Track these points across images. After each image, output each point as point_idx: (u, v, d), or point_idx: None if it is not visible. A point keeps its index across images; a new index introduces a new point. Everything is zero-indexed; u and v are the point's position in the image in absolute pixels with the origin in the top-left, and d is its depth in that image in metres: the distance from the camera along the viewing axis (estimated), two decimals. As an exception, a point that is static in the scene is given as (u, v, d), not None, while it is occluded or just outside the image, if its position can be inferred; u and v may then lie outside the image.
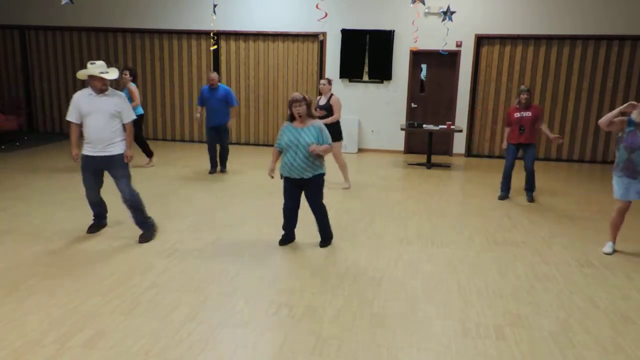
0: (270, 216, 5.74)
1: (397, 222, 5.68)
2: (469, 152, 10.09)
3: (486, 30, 9.50)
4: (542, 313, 3.64)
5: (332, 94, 6.89)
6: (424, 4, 8.09)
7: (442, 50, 9.36)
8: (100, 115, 4.59)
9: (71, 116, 4.70)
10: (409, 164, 9.06)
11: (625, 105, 4.60)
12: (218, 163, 7.95)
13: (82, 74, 4.59)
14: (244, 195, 6.62)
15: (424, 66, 10.01)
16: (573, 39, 9.35)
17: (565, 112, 9.67)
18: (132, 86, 7.64)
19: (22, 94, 11.26)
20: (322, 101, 6.90)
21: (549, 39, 9.40)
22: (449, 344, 3.20)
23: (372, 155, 9.90)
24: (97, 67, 4.50)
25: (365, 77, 9.97)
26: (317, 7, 8.34)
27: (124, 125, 4.78)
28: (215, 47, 10.19)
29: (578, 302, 3.84)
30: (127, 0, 10.45)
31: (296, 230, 5.00)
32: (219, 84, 7.66)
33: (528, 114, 6.50)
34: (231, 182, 7.38)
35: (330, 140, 4.62)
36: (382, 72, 9.84)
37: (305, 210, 5.14)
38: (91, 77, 4.53)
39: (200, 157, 9.09)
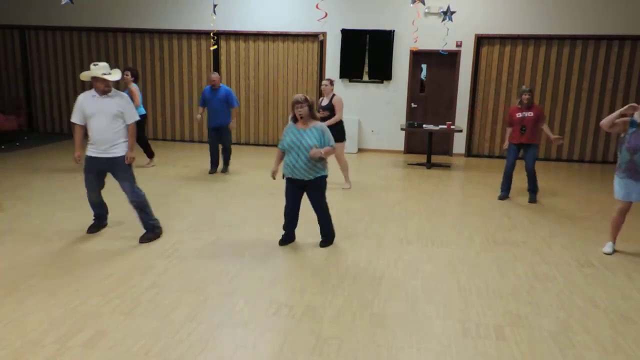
0: (270, 216, 5.74)
1: (397, 222, 5.68)
2: (469, 152, 10.09)
3: (486, 30, 9.51)
4: (542, 313, 3.64)
5: (334, 94, 6.89)
6: (424, 4, 8.09)
7: (442, 50, 9.36)
8: (103, 117, 4.60)
9: (75, 118, 4.73)
10: (409, 164, 9.06)
11: (625, 107, 4.59)
12: (220, 163, 7.96)
13: (85, 76, 4.60)
14: (244, 195, 6.63)
15: (424, 66, 10.01)
16: (573, 39, 9.36)
17: (565, 112, 9.67)
18: (133, 87, 7.64)
19: (22, 94, 11.27)
20: (324, 102, 6.90)
21: (549, 39, 9.40)
22: (449, 344, 3.20)
23: (372, 155, 9.90)
24: (99, 69, 4.51)
25: (365, 77, 9.98)
26: (317, 7, 8.34)
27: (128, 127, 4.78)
28: (215, 47, 10.19)
29: (578, 302, 3.84)
30: (127, 0, 10.45)
31: (297, 230, 5.00)
32: (221, 84, 7.66)
33: (530, 114, 6.49)
34: (231, 182, 7.38)
35: (332, 142, 4.61)
36: (382, 72, 9.85)
37: (305, 209, 5.14)
38: (94, 78, 4.53)
39: (200, 157, 9.09)
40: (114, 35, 10.72)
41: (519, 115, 6.54)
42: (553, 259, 4.69)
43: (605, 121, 4.64)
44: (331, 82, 6.93)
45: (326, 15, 8.48)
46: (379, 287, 3.98)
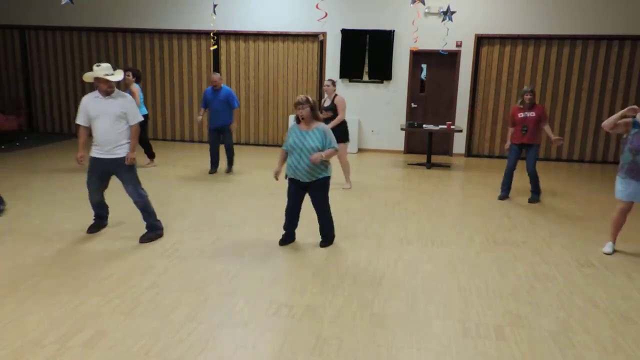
0: (270, 216, 5.74)
1: (397, 222, 5.68)
2: (469, 152, 10.09)
3: (486, 30, 9.51)
4: (542, 313, 3.64)
5: (336, 95, 6.88)
6: (424, 4, 8.09)
7: (442, 50, 9.36)
8: (106, 118, 4.61)
9: (79, 119, 4.76)
10: (409, 164, 9.06)
11: (626, 109, 4.59)
12: (226, 163, 7.95)
13: (88, 77, 4.61)
14: (244, 195, 6.63)
15: (424, 66, 10.01)
16: (573, 39, 9.36)
17: (565, 112, 9.67)
18: (134, 87, 7.64)
19: (22, 94, 11.26)
20: (327, 102, 6.90)
21: (549, 39, 9.40)
22: (449, 344, 3.20)
23: (372, 155, 9.90)
24: (102, 70, 4.52)
25: (365, 77, 9.97)
26: (317, 7, 8.34)
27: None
28: (215, 47, 10.19)
29: (578, 302, 3.84)
30: (127, 0, 10.45)
31: (297, 230, 5.00)
32: (223, 85, 7.66)
33: (532, 114, 6.48)
34: (231, 182, 7.38)
35: (334, 143, 4.59)
36: (382, 72, 9.84)
37: (306, 209, 5.14)
38: (97, 79, 4.54)
39: (200, 157, 9.09)
40: (114, 35, 10.72)
41: (520, 115, 6.53)
42: (553, 259, 4.69)
43: (607, 122, 4.64)
44: (333, 83, 6.92)
45: (326, 15, 8.48)
46: (379, 287, 3.98)
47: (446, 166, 8.95)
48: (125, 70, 7.67)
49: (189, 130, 10.91)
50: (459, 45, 9.62)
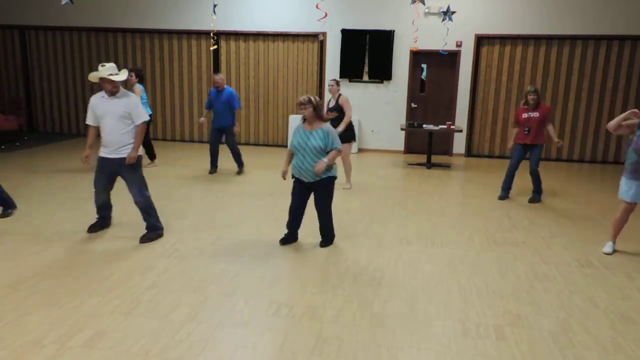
0: (270, 216, 5.74)
1: (397, 222, 5.68)
2: (469, 152, 10.09)
3: (486, 30, 9.51)
4: (542, 313, 3.64)
5: (340, 94, 6.88)
6: (424, 4, 8.08)
7: (442, 50, 9.36)
8: (111, 118, 4.63)
9: (88, 119, 4.79)
10: (409, 164, 9.06)
11: (627, 112, 4.58)
12: (229, 164, 7.93)
13: (92, 77, 4.62)
14: (244, 195, 6.62)
15: (424, 66, 10.01)
16: (573, 39, 9.36)
17: (565, 112, 9.67)
18: (136, 87, 7.63)
19: (22, 94, 11.26)
20: (331, 103, 6.90)
21: (549, 39, 9.40)
22: (449, 344, 3.20)
23: (372, 155, 9.90)
24: (106, 70, 4.53)
25: (365, 77, 9.97)
26: (317, 7, 8.34)
27: None
28: (215, 47, 10.19)
29: (578, 302, 3.84)
30: (127, 0, 10.45)
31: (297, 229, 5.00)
32: (226, 86, 7.66)
33: (536, 114, 6.47)
34: (231, 182, 7.38)
35: (337, 144, 4.58)
36: (382, 72, 9.84)
37: (307, 208, 5.14)
38: (101, 79, 4.55)
39: (200, 157, 9.09)
40: (114, 35, 10.72)
41: (524, 115, 6.53)
42: (553, 259, 4.69)
43: (611, 124, 4.64)
44: (337, 83, 6.91)
45: (326, 15, 8.48)
46: (379, 287, 3.98)
47: (446, 166, 8.95)
48: (128, 71, 7.67)
49: (189, 130, 10.91)
50: (459, 45, 9.62)
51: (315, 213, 4.89)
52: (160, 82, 10.75)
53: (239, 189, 6.98)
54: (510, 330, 3.39)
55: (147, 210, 4.85)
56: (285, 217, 5.65)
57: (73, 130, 11.32)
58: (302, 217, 4.84)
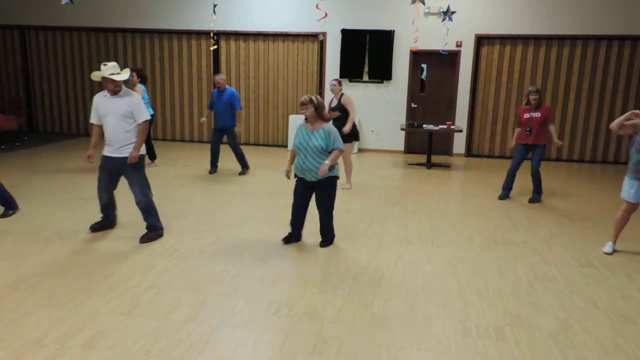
0: (270, 216, 5.74)
1: (397, 222, 5.68)
2: (469, 152, 10.09)
3: (486, 30, 9.51)
4: (542, 313, 3.64)
5: (342, 94, 6.88)
6: (424, 4, 8.08)
7: (442, 50, 9.36)
8: (113, 117, 4.64)
9: (92, 118, 4.81)
10: (409, 164, 9.06)
11: (629, 113, 4.58)
12: (239, 165, 7.91)
13: (95, 76, 4.63)
14: (244, 195, 6.62)
15: (424, 66, 10.01)
16: (573, 39, 9.36)
17: (565, 112, 9.67)
18: (138, 87, 7.63)
19: (22, 94, 11.27)
20: (334, 102, 6.90)
21: (549, 39, 9.40)
22: (449, 344, 3.20)
23: (372, 155, 9.90)
24: (108, 69, 4.54)
25: (365, 77, 9.97)
26: (317, 7, 8.34)
27: None
28: (215, 47, 10.19)
29: (578, 302, 3.84)
30: (127, 0, 10.45)
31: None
32: (227, 86, 7.66)
33: (537, 114, 6.47)
34: (231, 182, 7.38)
35: (339, 144, 4.58)
36: (382, 72, 9.84)
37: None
38: (103, 78, 4.57)
39: (200, 157, 9.09)
40: (114, 35, 10.72)
41: (526, 116, 6.53)
42: (553, 259, 4.69)
43: (614, 124, 4.64)
44: (339, 82, 6.92)
45: (326, 15, 8.48)
46: (379, 287, 3.98)
47: (446, 166, 8.95)
48: (130, 71, 7.67)
49: (189, 130, 10.91)
50: (459, 45, 9.62)
51: (315, 213, 4.88)
52: (160, 82, 10.75)
53: (239, 189, 6.98)
54: (510, 330, 3.39)
55: (148, 210, 4.85)
56: (285, 217, 5.66)
57: (73, 130, 11.32)
58: (304, 217, 4.84)
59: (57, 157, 8.78)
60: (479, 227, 5.58)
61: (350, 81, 10.00)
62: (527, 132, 6.51)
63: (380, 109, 10.07)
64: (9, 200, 5.54)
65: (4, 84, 11.31)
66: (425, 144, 9.79)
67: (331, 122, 4.74)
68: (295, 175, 4.73)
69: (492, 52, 9.65)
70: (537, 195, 6.69)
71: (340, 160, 7.41)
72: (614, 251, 4.89)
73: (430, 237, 5.21)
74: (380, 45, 9.72)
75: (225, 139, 7.77)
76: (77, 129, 11.29)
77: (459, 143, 10.04)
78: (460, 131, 8.83)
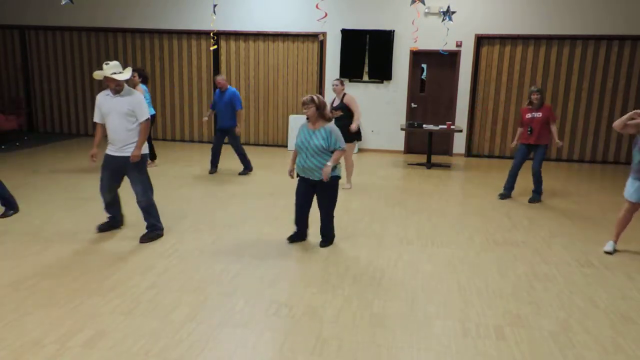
0: (270, 216, 5.74)
1: (397, 222, 5.68)
2: (469, 152, 10.09)
3: (486, 30, 9.50)
4: (542, 313, 3.64)
5: (345, 94, 6.89)
6: (424, 4, 8.08)
7: (442, 50, 9.36)
8: (115, 115, 4.65)
9: (95, 117, 4.83)
10: (409, 164, 9.06)
11: (632, 112, 4.58)
12: (244, 165, 7.89)
13: (97, 75, 4.64)
14: (244, 195, 6.63)
15: (424, 66, 10.01)
16: (573, 39, 9.36)
17: (565, 112, 9.67)
18: (139, 87, 7.63)
19: (22, 94, 11.27)
20: (336, 102, 6.91)
21: (549, 39, 9.40)
22: (449, 344, 3.20)
23: (372, 155, 9.90)
24: (109, 68, 4.55)
25: (365, 77, 9.97)
26: (317, 7, 8.34)
27: None
28: (215, 47, 10.19)
29: (578, 302, 3.84)
30: (127, 0, 10.45)
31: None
32: (229, 86, 7.67)
33: (539, 114, 6.47)
34: (231, 182, 7.38)
35: (340, 143, 4.58)
36: (382, 72, 9.84)
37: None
38: (105, 77, 4.57)
39: (200, 157, 9.09)
40: (114, 35, 10.72)
41: (528, 116, 6.53)
42: (553, 259, 4.69)
43: (617, 123, 4.64)
44: (341, 82, 6.93)
45: (326, 15, 8.48)
46: (379, 287, 3.98)
47: (446, 166, 8.95)
48: (132, 70, 7.67)
49: (189, 130, 10.91)
50: (459, 45, 9.62)
51: (315, 213, 4.88)
52: (160, 82, 10.75)
53: (239, 189, 6.98)
54: (510, 330, 3.39)
55: (149, 209, 4.85)
56: (285, 217, 5.67)
57: (73, 130, 11.32)
58: (308, 216, 4.84)
59: (57, 157, 8.78)
60: (479, 227, 5.58)
61: (350, 81, 10.00)
62: (529, 132, 6.51)
63: (380, 109, 10.07)
64: (9, 200, 5.54)
65: (4, 84, 11.31)
66: (425, 144, 9.79)
67: (333, 121, 4.75)
68: (298, 175, 4.74)
69: (492, 52, 9.65)
70: (537, 196, 6.69)
71: (341, 160, 7.42)
72: (615, 251, 4.89)
73: (430, 237, 5.21)
74: (380, 45, 9.72)
75: (227, 139, 7.77)
76: (77, 129, 11.29)
77: (459, 143, 10.04)
78: (460, 131, 8.83)
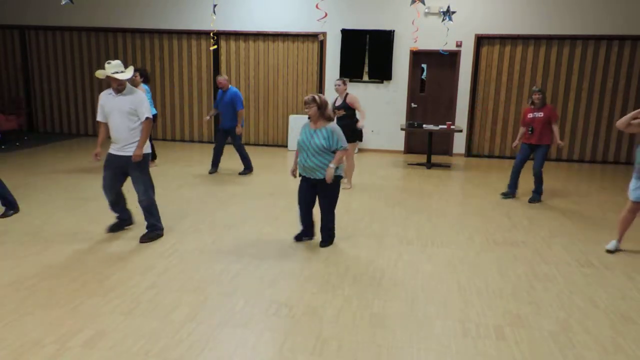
0: (270, 216, 5.74)
1: (397, 222, 5.68)
2: (469, 152, 10.09)
3: (486, 30, 9.50)
4: (542, 313, 3.64)
5: (347, 93, 6.90)
6: (424, 4, 8.08)
7: (442, 50, 9.36)
8: (118, 114, 4.66)
9: (98, 116, 4.83)
10: (409, 164, 9.06)
11: (636, 111, 4.58)
12: (245, 165, 7.90)
13: (99, 74, 4.65)
14: (244, 195, 6.62)
15: (424, 66, 10.01)
16: (573, 39, 9.36)
17: (565, 112, 9.67)
18: (141, 87, 7.62)
19: (22, 94, 11.27)
20: (338, 101, 6.91)
21: (549, 39, 9.40)
22: (449, 344, 3.20)
23: (372, 155, 9.90)
24: (111, 67, 4.56)
25: (365, 77, 9.98)
26: (317, 7, 8.34)
27: None
28: (215, 47, 10.19)
29: (578, 302, 3.84)
30: (126, 0, 10.45)
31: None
32: (230, 86, 7.67)
33: (540, 114, 6.47)
34: (231, 182, 7.38)
35: (342, 143, 4.57)
36: (382, 72, 9.85)
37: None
38: (107, 77, 4.57)
39: (200, 157, 9.09)
40: (114, 35, 10.72)
41: (530, 115, 6.54)
42: (553, 259, 4.69)
43: (620, 122, 4.64)
44: (344, 82, 6.93)
45: (326, 15, 8.48)
46: (379, 287, 3.98)
47: (446, 166, 8.95)
48: (134, 70, 7.67)
49: (189, 130, 10.91)
50: (459, 45, 9.62)
51: (316, 212, 4.88)
52: (160, 82, 10.76)
53: (239, 189, 6.98)
54: (510, 330, 3.39)
55: (150, 209, 4.85)
56: (285, 217, 5.67)
57: (73, 130, 11.32)
58: (312, 214, 4.84)
59: (57, 157, 8.78)
60: (479, 227, 5.58)
61: (350, 81, 10.00)
62: (530, 132, 6.52)
63: (380, 109, 10.07)
64: (9, 200, 5.54)
65: (4, 84, 11.31)
66: (425, 144, 9.79)
67: (335, 121, 4.74)
68: (300, 174, 4.74)
69: (492, 52, 9.65)
70: (537, 195, 6.69)
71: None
72: (617, 250, 4.89)
73: (430, 237, 5.21)
74: (380, 45, 9.72)
75: (230, 139, 7.77)
76: (77, 129, 11.29)
77: (459, 143, 10.04)
78: (460, 131, 8.83)
